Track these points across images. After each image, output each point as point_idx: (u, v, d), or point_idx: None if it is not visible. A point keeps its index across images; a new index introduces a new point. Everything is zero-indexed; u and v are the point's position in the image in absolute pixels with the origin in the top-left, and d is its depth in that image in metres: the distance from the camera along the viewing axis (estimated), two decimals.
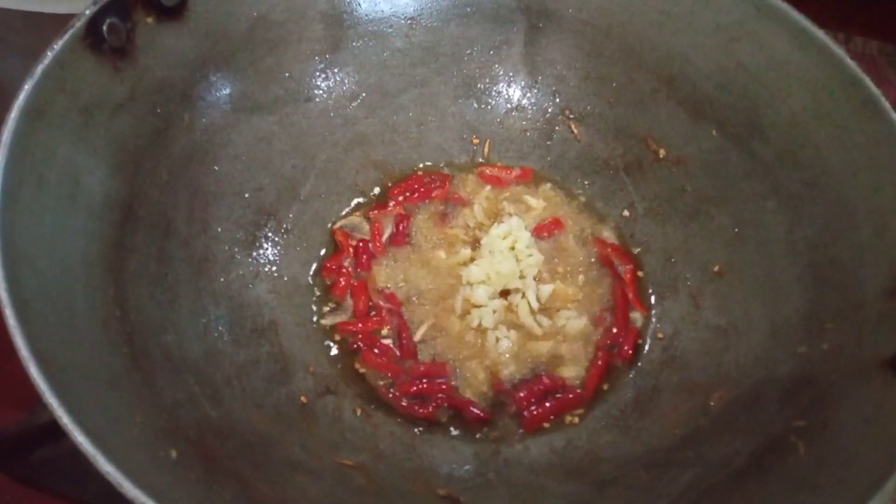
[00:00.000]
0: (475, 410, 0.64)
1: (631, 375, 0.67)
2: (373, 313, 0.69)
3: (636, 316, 0.70)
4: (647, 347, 0.69)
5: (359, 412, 0.64)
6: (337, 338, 0.68)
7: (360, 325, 0.68)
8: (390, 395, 0.65)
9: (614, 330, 0.69)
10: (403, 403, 0.65)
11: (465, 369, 0.67)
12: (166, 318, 0.58)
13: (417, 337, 0.67)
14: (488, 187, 0.76)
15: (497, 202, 0.76)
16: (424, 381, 0.66)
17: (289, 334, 0.66)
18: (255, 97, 0.69)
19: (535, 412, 0.65)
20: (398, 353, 0.67)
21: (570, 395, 0.66)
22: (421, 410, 0.64)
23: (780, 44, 0.65)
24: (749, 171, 0.68)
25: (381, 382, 0.66)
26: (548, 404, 0.65)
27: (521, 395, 0.65)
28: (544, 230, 0.74)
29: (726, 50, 0.68)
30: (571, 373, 0.67)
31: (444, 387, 0.65)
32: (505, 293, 0.70)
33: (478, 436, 0.64)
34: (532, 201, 0.75)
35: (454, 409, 0.65)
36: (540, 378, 0.66)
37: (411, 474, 0.60)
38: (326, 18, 0.71)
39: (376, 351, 0.67)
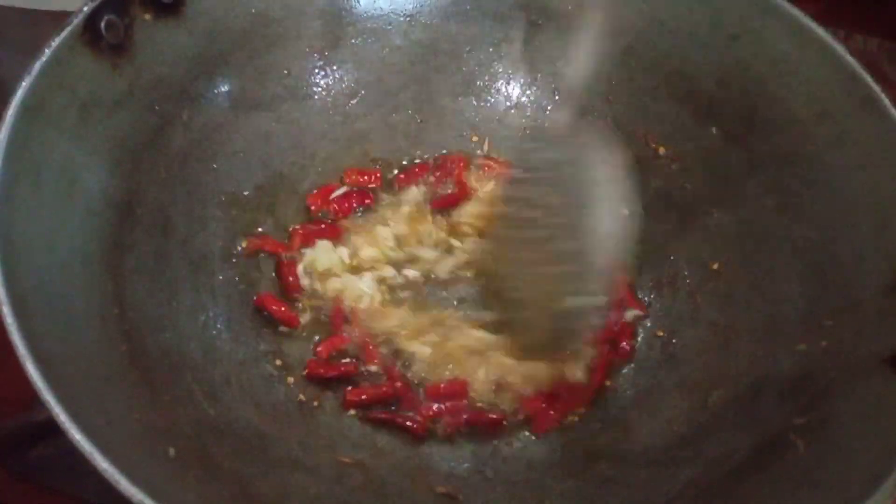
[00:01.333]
0: (492, 416, 0.63)
1: (630, 373, 0.67)
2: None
3: (631, 313, 0.70)
4: (645, 345, 0.68)
5: (357, 410, 0.63)
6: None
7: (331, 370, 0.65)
8: (398, 420, 0.62)
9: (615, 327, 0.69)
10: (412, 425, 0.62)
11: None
12: (164, 316, 0.58)
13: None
14: (492, 183, 0.75)
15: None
16: (444, 403, 0.63)
17: (287, 332, 0.66)
18: (254, 94, 0.69)
19: (546, 414, 0.64)
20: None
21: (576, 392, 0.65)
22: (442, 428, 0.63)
23: (780, 41, 0.65)
24: (748, 168, 0.68)
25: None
26: (555, 406, 0.64)
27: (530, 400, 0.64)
28: None
29: (726, 48, 0.68)
30: (575, 371, 0.67)
31: (464, 403, 0.64)
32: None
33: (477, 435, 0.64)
34: None
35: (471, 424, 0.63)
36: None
37: (410, 472, 0.60)
38: (325, 15, 0.71)
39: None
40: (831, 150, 0.63)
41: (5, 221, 0.47)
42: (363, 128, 0.75)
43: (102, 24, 0.55)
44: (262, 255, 0.68)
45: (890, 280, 0.57)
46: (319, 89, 0.73)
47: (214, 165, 0.66)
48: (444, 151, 0.77)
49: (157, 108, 0.61)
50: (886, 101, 0.60)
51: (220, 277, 0.65)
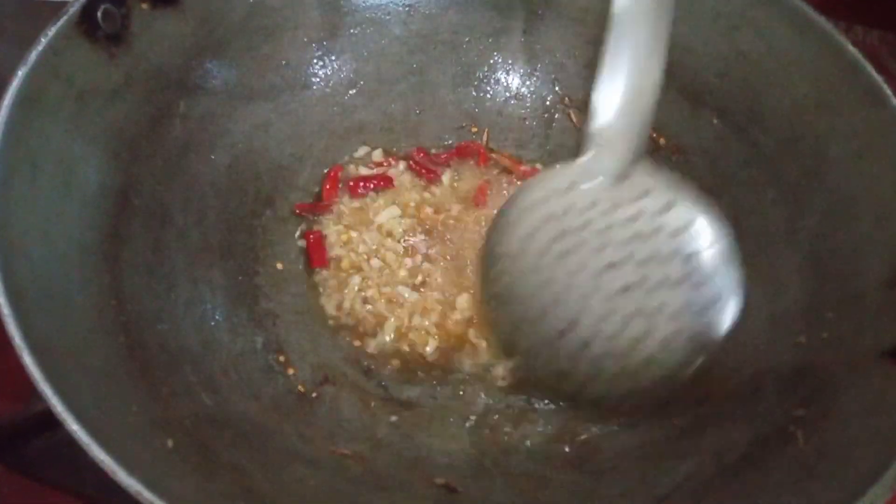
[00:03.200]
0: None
1: None
2: None
3: None
4: None
5: (356, 402, 0.63)
6: (332, 323, 0.67)
7: None
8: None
9: None
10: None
11: None
12: (162, 308, 0.58)
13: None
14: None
15: None
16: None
17: (286, 323, 0.66)
18: (252, 85, 0.68)
19: None
20: None
21: None
22: None
23: (780, 32, 0.65)
24: (749, 160, 0.67)
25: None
26: None
27: None
28: None
29: (727, 38, 0.68)
30: None
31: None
32: None
33: (469, 425, 0.64)
34: None
35: None
36: None
37: (409, 463, 0.60)
38: (323, 5, 0.70)
39: None
40: (832, 141, 0.62)
41: (2, 212, 0.47)
42: (362, 119, 0.75)
43: (99, 14, 0.55)
44: (261, 245, 0.68)
45: (890, 273, 0.56)
46: (318, 80, 0.73)
47: (212, 156, 0.66)
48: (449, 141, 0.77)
49: (154, 98, 0.61)
50: (888, 91, 0.59)
51: (219, 269, 0.64)
